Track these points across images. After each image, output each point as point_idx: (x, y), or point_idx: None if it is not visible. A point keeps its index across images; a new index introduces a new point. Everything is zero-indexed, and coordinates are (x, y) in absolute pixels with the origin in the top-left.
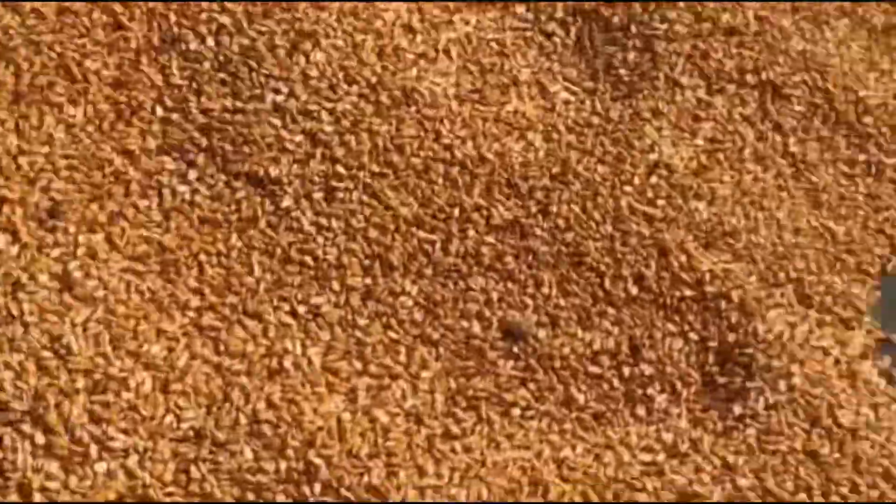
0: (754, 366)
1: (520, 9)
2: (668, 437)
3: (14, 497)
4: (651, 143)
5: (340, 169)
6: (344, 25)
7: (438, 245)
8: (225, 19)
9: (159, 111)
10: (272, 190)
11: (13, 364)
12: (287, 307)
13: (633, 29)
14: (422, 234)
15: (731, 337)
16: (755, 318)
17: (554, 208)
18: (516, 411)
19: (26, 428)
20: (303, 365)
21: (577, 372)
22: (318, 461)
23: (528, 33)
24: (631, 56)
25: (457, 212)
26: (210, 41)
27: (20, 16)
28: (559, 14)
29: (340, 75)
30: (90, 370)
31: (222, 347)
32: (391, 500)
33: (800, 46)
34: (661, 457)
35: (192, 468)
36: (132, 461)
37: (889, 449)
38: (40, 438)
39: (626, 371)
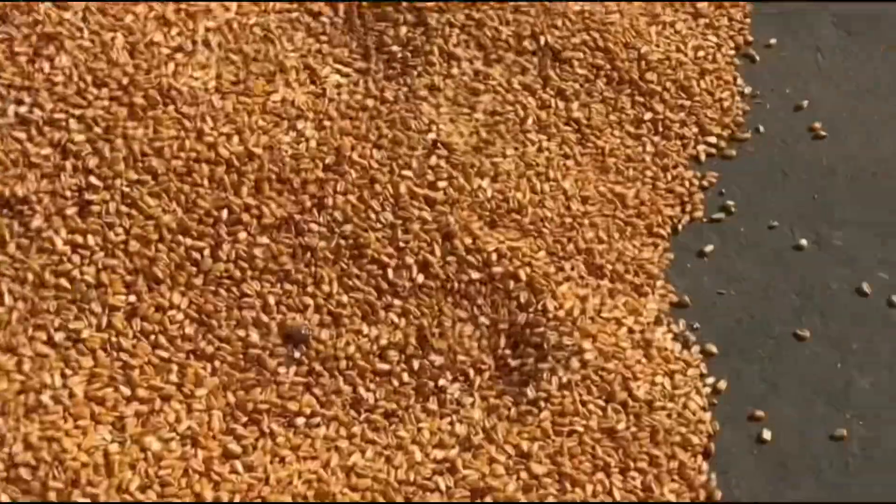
0: (546, 345)
1: None
2: (461, 429)
3: None
4: (429, 122)
5: (94, 180)
6: (91, 24)
7: (207, 252)
8: None
9: None
10: (20, 210)
11: None
12: (43, 336)
13: (404, 2)
14: (188, 241)
15: (522, 317)
16: (544, 295)
17: (329, 201)
18: (301, 421)
19: None
20: (63, 398)
21: (365, 371)
22: (83, 501)
23: (294, 14)
24: (403, 31)
25: (225, 214)
26: None
27: None
28: None
29: (89, 79)
30: None
31: None
32: None
33: (578, 6)
34: (453, 451)
35: None
36: None
37: (686, 417)
38: None
39: (416, 364)
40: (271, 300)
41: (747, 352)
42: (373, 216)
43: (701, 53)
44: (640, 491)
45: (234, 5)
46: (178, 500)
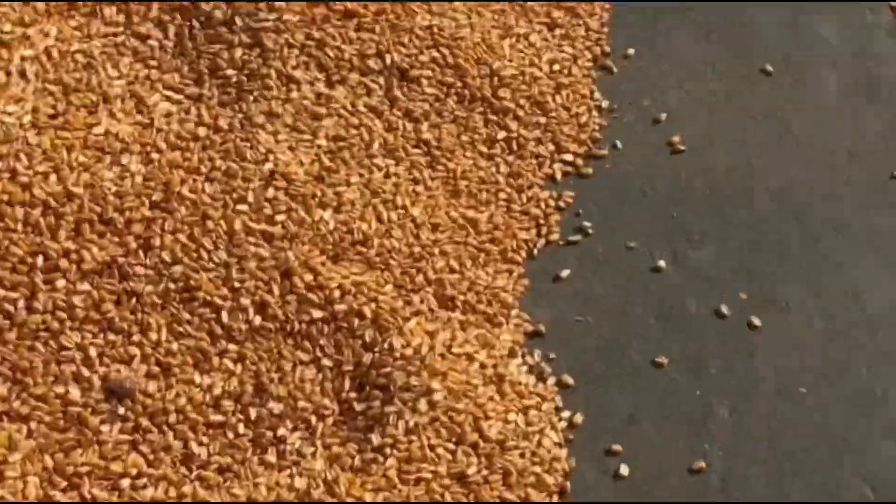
0: (393, 387)
1: (108, 10)
2: (301, 482)
3: None
4: (266, 151)
5: None
6: None
7: (21, 303)
8: None
9: None
10: None
11: None
12: None
13: (239, 22)
14: (0, 292)
15: (367, 357)
16: (391, 332)
17: (157, 241)
18: (126, 483)
19: None
20: None
21: (197, 423)
22: None
23: (120, 38)
24: (238, 53)
25: (41, 261)
26: None
27: None
28: (154, 13)
29: None
30: None
31: None
32: None
33: (426, 21)
34: None
35: None
36: None
37: (540, 455)
38: None
39: (253, 413)
40: (93, 352)
41: (605, 381)
42: (205, 255)
43: (556, 67)
44: None
45: (53, 30)
46: None
